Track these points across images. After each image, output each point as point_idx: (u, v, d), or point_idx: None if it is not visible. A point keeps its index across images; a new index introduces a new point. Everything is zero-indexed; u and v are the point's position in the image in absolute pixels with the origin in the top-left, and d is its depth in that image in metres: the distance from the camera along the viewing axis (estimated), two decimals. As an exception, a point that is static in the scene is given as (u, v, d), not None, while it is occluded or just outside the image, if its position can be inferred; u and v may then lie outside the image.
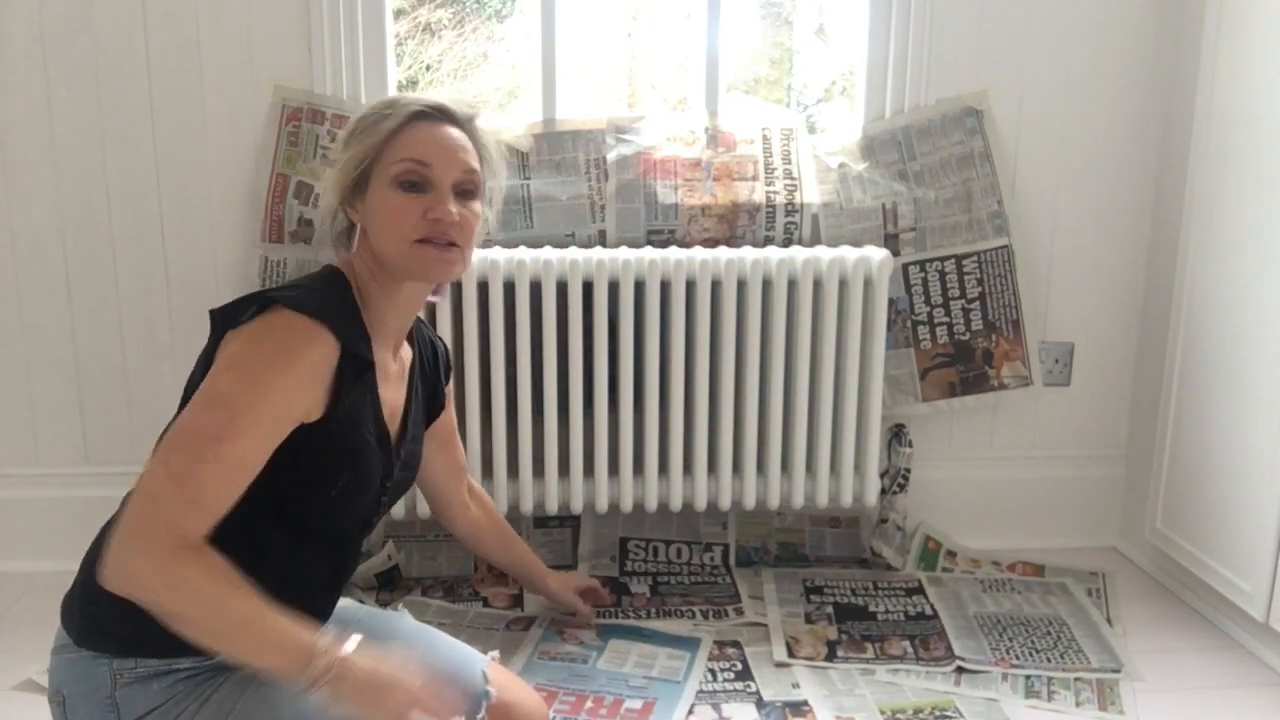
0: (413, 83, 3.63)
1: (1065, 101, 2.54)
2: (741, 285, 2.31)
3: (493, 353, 2.28)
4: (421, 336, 1.47)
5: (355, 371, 1.19)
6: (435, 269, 1.27)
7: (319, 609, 1.33)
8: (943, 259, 2.52)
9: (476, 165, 1.31)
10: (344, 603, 1.45)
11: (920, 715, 1.98)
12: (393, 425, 1.32)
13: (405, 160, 1.25)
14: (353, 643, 1.12)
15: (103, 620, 1.20)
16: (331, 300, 1.22)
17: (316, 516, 1.24)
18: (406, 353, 1.39)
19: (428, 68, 3.66)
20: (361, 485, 1.25)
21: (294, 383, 1.13)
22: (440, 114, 1.29)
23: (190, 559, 1.07)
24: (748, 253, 2.32)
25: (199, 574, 1.07)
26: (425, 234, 1.25)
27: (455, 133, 1.29)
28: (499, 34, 3.56)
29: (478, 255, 2.25)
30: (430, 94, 1.32)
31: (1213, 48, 2.31)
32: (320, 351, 1.15)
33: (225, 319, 1.18)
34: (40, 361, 2.46)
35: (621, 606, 2.37)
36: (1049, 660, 2.17)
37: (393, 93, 1.38)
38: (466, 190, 1.29)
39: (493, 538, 1.89)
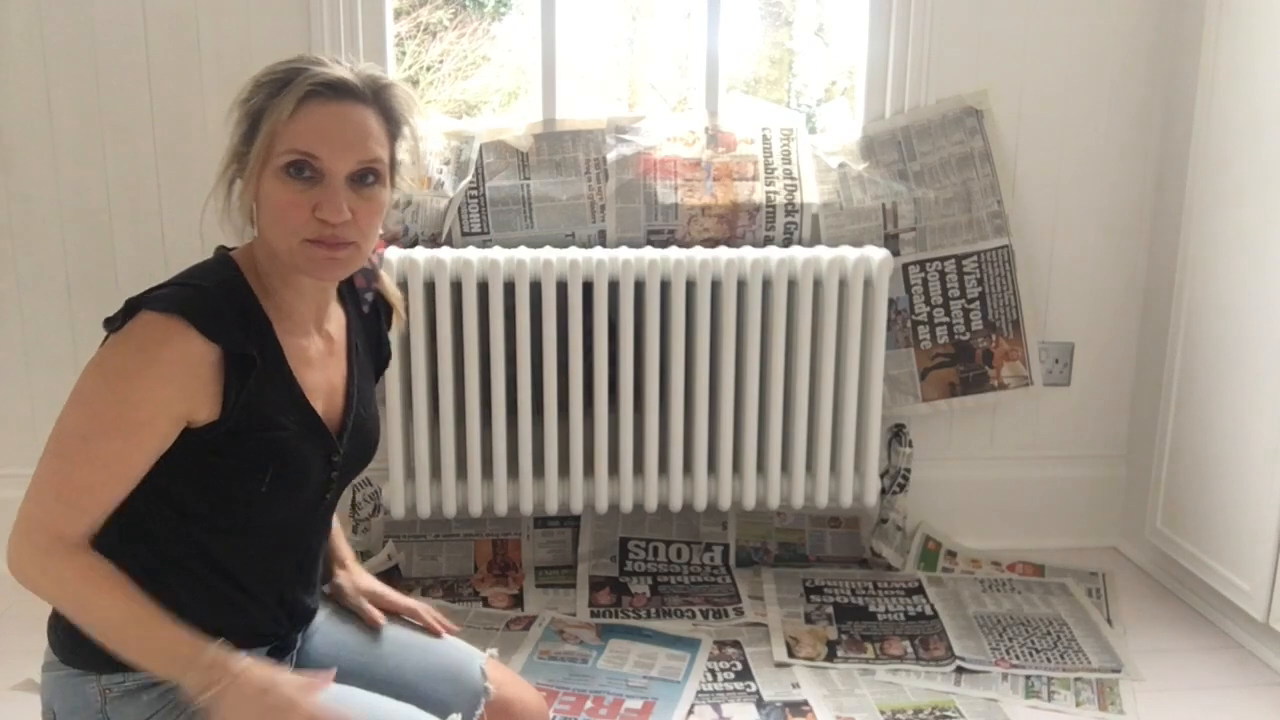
0: (413, 82, 3.62)
1: (1065, 101, 2.53)
2: (741, 285, 2.31)
3: (493, 353, 2.28)
4: (350, 291, 1.37)
5: (243, 369, 1.14)
6: (325, 269, 1.18)
7: (297, 595, 1.31)
8: (943, 259, 2.51)
9: (379, 150, 1.17)
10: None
11: (920, 715, 1.98)
12: (332, 403, 1.27)
13: (291, 151, 1.13)
14: (247, 659, 1.11)
15: (85, 638, 1.18)
16: (208, 297, 1.13)
17: (257, 513, 1.21)
18: (337, 321, 1.32)
19: (428, 68, 3.66)
20: (295, 475, 1.22)
21: (155, 382, 1.10)
22: (338, 90, 1.15)
23: (65, 557, 1.11)
24: (748, 253, 2.32)
25: (73, 574, 1.11)
26: (315, 234, 1.15)
27: (356, 112, 1.15)
28: (495, 33, 3.56)
29: (479, 255, 2.25)
30: (333, 66, 1.16)
31: (1213, 48, 2.31)
32: (180, 349, 1.10)
33: (111, 326, 1.15)
34: (40, 361, 2.46)
35: (621, 606, 2.37)
36: (1049, 660, 2.16)
37: (297, 55, 1.22)
38: (365, 177, 1.16)
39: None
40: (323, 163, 1.14)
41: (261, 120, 1.14)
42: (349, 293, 1.36)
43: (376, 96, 1.18)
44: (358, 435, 1.31)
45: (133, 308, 1.12)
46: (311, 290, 1.24)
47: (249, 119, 1.17)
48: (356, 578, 1.45)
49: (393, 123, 1.21)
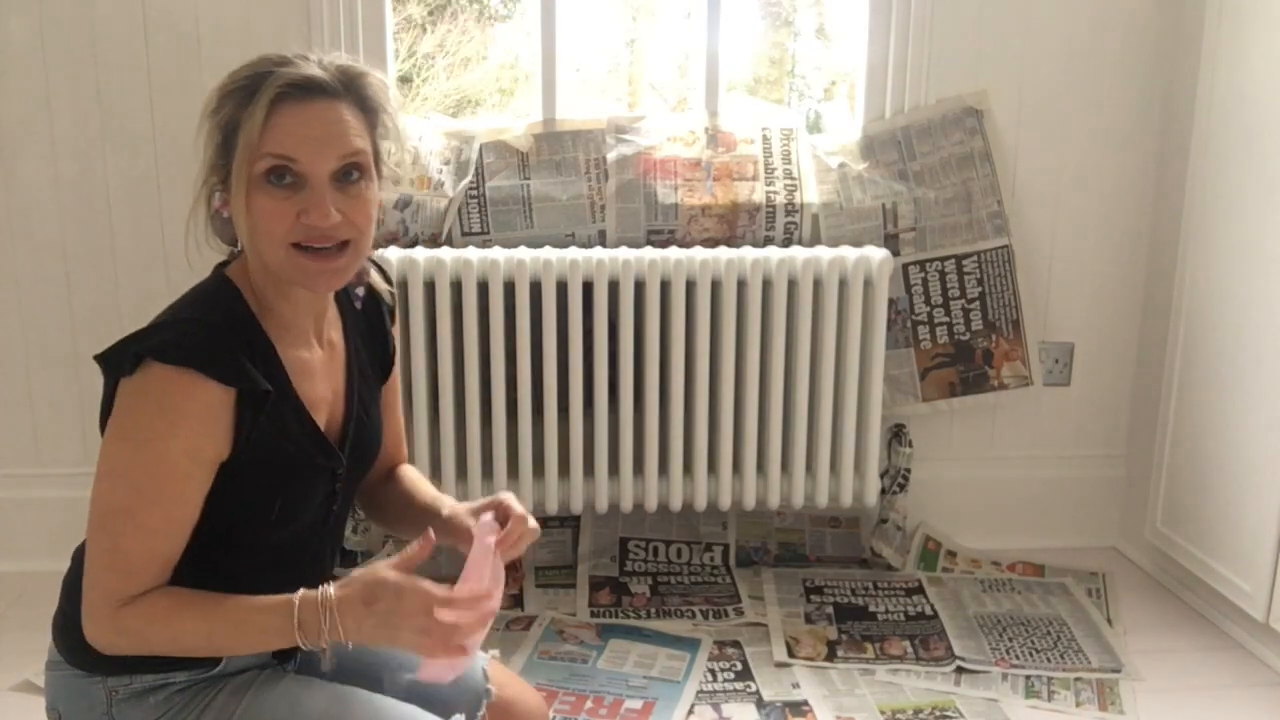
0: (405, 80, 3.62)
1: (1065, 101, 2.53)
2: (741, 285, 2.31)
3: (493, 353, 2.28)
4: (346, 292, 1.33)
5: (255, 403, 1.12)
6: (318, 280, 1.15)
7: None
8: (943, 259, 2.51)
9: (359, 143, 1.13)
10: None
11: (920, 715, 1.98)
12: (333, 414, 1.26)
13: (269, 156, 1.09)
14: (330, 588, 1.11)
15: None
16: (214, 336, 1.11)
17: (270, 536, 1.21)
18: (336, 326, 1.30)
19: (424, 66, 3.66)
20: (303, 496, 1.22)
21: (185, 438, 1.09)
22: (308, 89, 1.10)
23: (130, 610, 1.10)
24: (748, 253, 2.32)
25: (144, 621, 1.10)
26: (301, 238, 1.11)
27: (330, 109, 1.11)
28: (494, 36, 3.56)
29: (479, 255, 2.25)
30: (301, 64, 1.12)
31: (1213, 48, 2.31)
32: (202, 401, 1.08)
33: (111, 365, 1.12)
34: (40, 361, 2.46)
35: (621, 606, 2.37)
36: (1049, 660, 2.17)
37: (260, 56, 1.14)
38: (349, 174, 1.13)
39: (419, 505, 1.43)
40: (302, 165, 1.10)
41: (235, 132, 1.10)
42: (341, 292, 1.32)
43: (348, 88, 1.14)
44: (358, 443, 1.30)
45: (138, 354, 1.09)
46: (308, 301, 1.21)
47: (221, 131, 1.12)
48: (458, 508, 1.35)
49: (370, 113, 1.17)
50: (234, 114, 1.11)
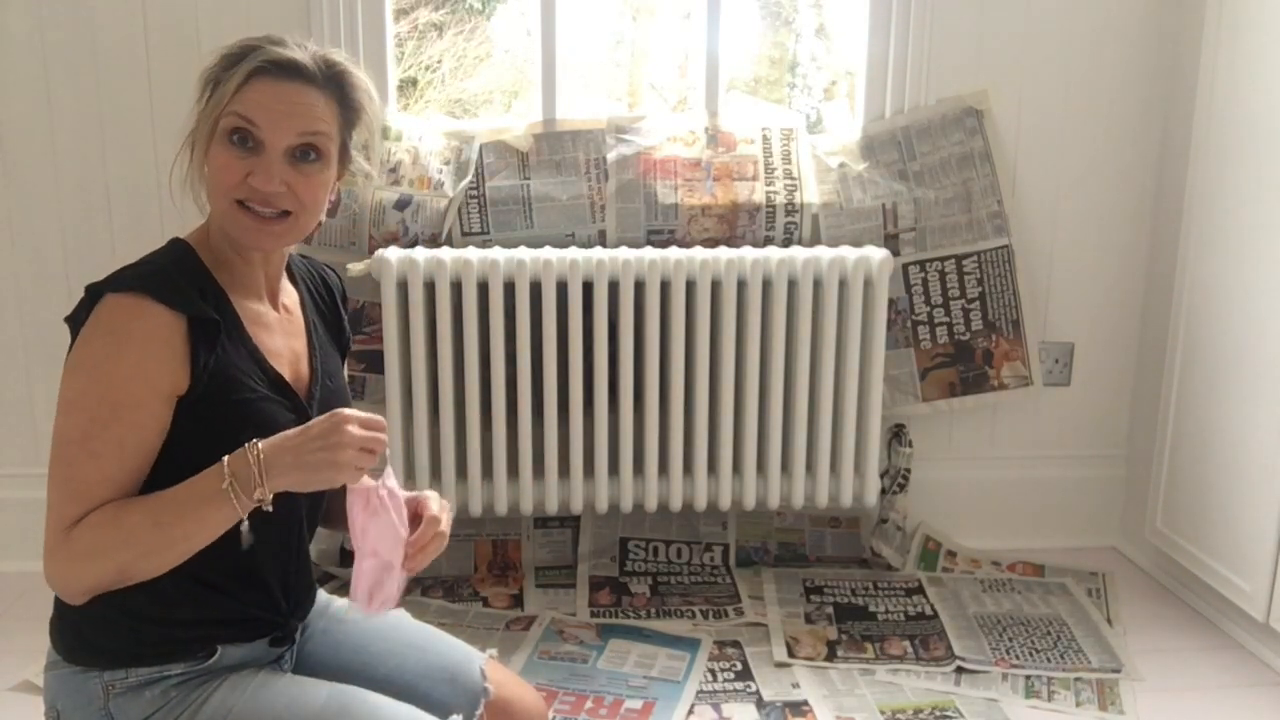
0: (412, 83, 3.62)
1: (1065, 101, 2.53)
2: (741, 285, 2.31)
3: (493, 353, 2.28)
4: (306, 273, 1.42)
5: (207, 333, 1.17)
6: (254, 238, 1.21)
7: (290, 579, 1.30)
8: (943, 259, 2.51)
9: (325, 127, 1.21)
10: (342, 603, 1.45)
11: (920, 715, 1.98)
12: (297, 370, 1.29)
13: (233, 115, 1.17)
14: (257, 446, 1.12)
15: (88, 637, 1.20)
16: (163, 269, 1.18)
17: None
18: (292, 298, 1.35)
19: (427, 68, 3.66)
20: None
21: (133, 361, 1.12)
22: (287, 70, 1.19)
23: (75, 531, 1.11)
24: (748, 253, 2.32)
25: (89, 531, 1.11)
26: (245, 196, 1.19)
27: (304, 93, 1.20)
28: (489, 32, 3.56)
29: (479, 255, 2.25)
30: (293, 49, 1.22)
31: (1213, 48, 2.31)
32: (149, 324, 1.13)
33: (76, 321, 1.17)
34: (40, 361, 2.46)
35: (621, 606, 2.37)
36: (1049, 660, 2.16)
37: (266, 34, 1.26)
38: (307, 153, 1.20)
39: None
40: (262, 132, 1.18)
41: (215, 89, 1.20)
42: (306, 276, 1.41)
43: (330, 81, 1.23)
44: (327, 403, 1.30)
45: (93, 293, 1.15)
46: (260, 259, 1.27)
47: (205, 87, 1.22)
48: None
49: (348, 109, 1.25)
50: (217, 75, 1.21)
